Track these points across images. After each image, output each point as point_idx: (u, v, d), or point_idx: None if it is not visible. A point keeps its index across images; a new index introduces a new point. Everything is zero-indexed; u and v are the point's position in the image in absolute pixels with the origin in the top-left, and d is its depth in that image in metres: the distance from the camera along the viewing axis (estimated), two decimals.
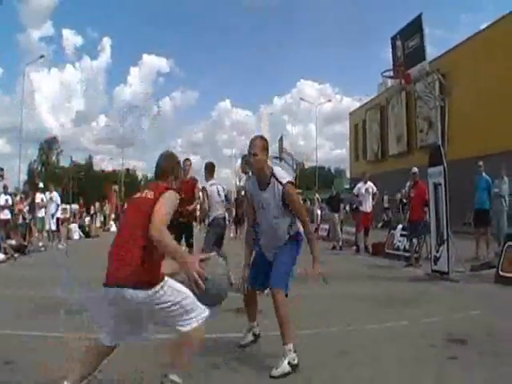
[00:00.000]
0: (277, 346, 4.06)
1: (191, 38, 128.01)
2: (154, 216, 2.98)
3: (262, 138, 4.19)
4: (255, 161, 4.09)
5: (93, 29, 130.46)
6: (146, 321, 3.17)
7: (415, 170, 11.06)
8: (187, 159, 8.63)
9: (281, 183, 4.03)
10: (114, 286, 2.95)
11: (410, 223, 11.20)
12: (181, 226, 7.94)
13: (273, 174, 4.09)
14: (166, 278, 3.05)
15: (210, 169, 8.20)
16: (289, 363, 3.88)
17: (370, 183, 13.75)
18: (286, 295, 4.04)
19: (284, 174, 4.14)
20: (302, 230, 4.20)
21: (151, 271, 2.98)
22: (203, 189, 8.01)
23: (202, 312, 3.12)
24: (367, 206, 13.53)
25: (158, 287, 2.96)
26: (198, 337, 3.12)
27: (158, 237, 2.90)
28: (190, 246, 8.20)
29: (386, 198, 26.97)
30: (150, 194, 3.19)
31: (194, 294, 3.04)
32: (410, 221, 11.28)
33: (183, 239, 8.21)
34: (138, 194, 3.32)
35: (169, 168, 3.50)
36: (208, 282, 2.99)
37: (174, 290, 3.04)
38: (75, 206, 27.92)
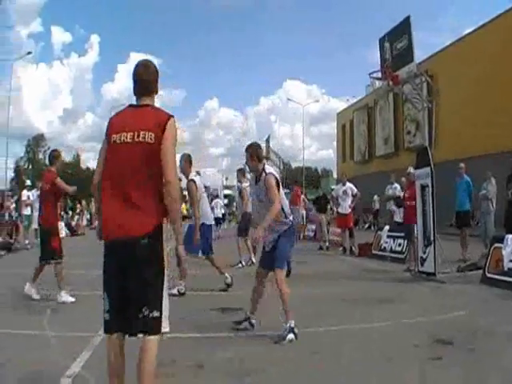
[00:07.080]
0: (261, 347, 4.04)
1: (179, 38, 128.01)
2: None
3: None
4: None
5: (81, 26, 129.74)
6: None
7: (411, 169, 9.88)
8: None
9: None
10: None
11: (407, 226, 10.16)
12: None
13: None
14: None
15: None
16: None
17: (348, 184, 13.65)
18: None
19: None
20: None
21: None
22: None
23: None
24: (345, 208, 13.49)
25: None
26: None
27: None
28: None
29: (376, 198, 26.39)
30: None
31: None
32: (406, 223, 10.27)
33: None
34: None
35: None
36: None
37: None
38: None
